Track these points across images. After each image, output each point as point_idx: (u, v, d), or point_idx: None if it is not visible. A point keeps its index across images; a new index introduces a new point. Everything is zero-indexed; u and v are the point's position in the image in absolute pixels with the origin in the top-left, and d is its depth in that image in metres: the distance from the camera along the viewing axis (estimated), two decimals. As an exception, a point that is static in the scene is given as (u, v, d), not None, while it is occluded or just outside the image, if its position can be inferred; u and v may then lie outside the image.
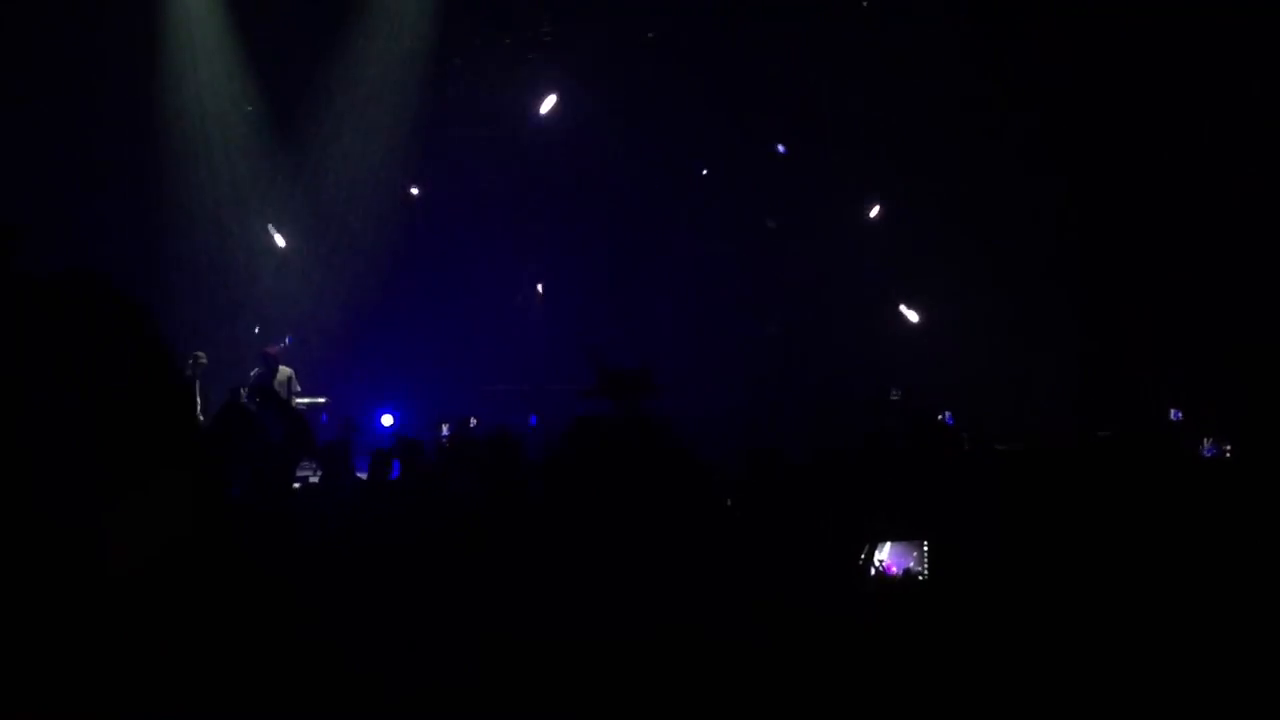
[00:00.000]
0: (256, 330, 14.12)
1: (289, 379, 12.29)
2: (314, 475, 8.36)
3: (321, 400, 12.68)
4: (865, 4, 13.15)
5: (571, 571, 3.44)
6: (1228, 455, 9.68)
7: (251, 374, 12.18)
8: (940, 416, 12.15)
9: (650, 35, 14.30)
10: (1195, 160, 12.26)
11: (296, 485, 7.41)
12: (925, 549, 3.60)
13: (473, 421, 11.08)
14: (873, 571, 3.60)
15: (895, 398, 11.81)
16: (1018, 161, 13.14)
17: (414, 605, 3.60)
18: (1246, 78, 11.66)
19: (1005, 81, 12.88)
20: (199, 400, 11.22)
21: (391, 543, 4.75)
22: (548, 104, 14.67)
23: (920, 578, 3.55)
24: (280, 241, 14.62)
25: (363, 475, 7.38)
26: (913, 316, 14.71)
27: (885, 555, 3.63)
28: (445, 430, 10.32)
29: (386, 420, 12.11)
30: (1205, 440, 9.97)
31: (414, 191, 15.16)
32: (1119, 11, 12.13)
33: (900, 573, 3.60)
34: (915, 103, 13.45)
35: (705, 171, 15.06)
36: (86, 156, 12.67)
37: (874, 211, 14.69)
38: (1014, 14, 12.67)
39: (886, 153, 14.00)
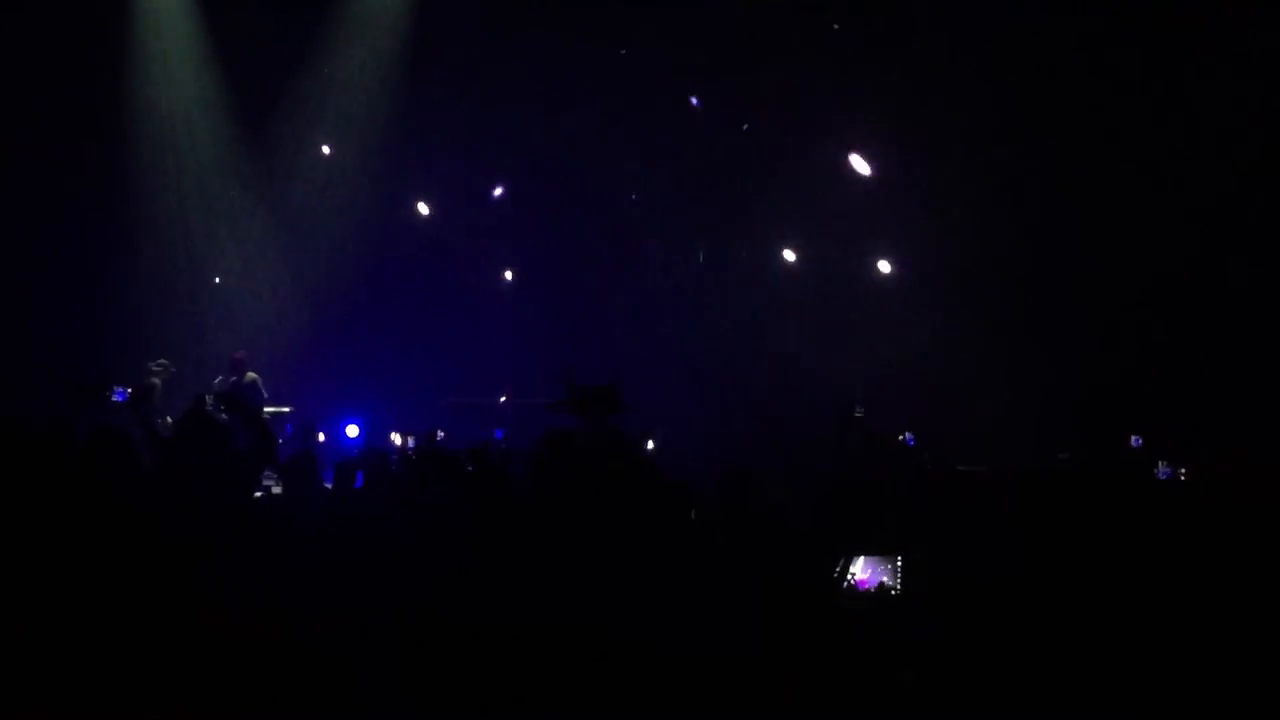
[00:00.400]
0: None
1: (254, 383, 12.16)
2: (276, 485, 8.29)
3: (286, 410, 12.58)
4: (836, 27, 13.26)
5: (548, 575, 3.46)
6: (1182, 478, 9.87)
7: (215, 381, 12.06)
8: (901, 437, 12.25)
9: (622, 52, 14.36)
10: (1159, 184, 12.41)
11: (259, 494, 7.35)
12: (899, 564, 3.65)
13: (440, 434, 11.03)
14: (845, 585, 3.64)
15: (859, 415, 11.90)
16: (982, 177, 13.27)
17: (386, 610, 3.59)
18: (1238, 85, 11.71)
19: (974, 100, 12.97)
20: (160, 408, 11.10)
21: (360, 550, 4.74)
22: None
23: (893, 592, 3.60)
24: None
25: (328, 485, 7.33)
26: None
27: (859, 570, 3.67)
28: (410, 442, 10.28)
29: (352, 431, 12.03)
30: (1160, 463, 10.15)
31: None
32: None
33: (873, 587, 3.65)
34: (884, 108, 13.51)
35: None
36: (53, 158, 12.53)
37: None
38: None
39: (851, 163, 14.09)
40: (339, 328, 14.64)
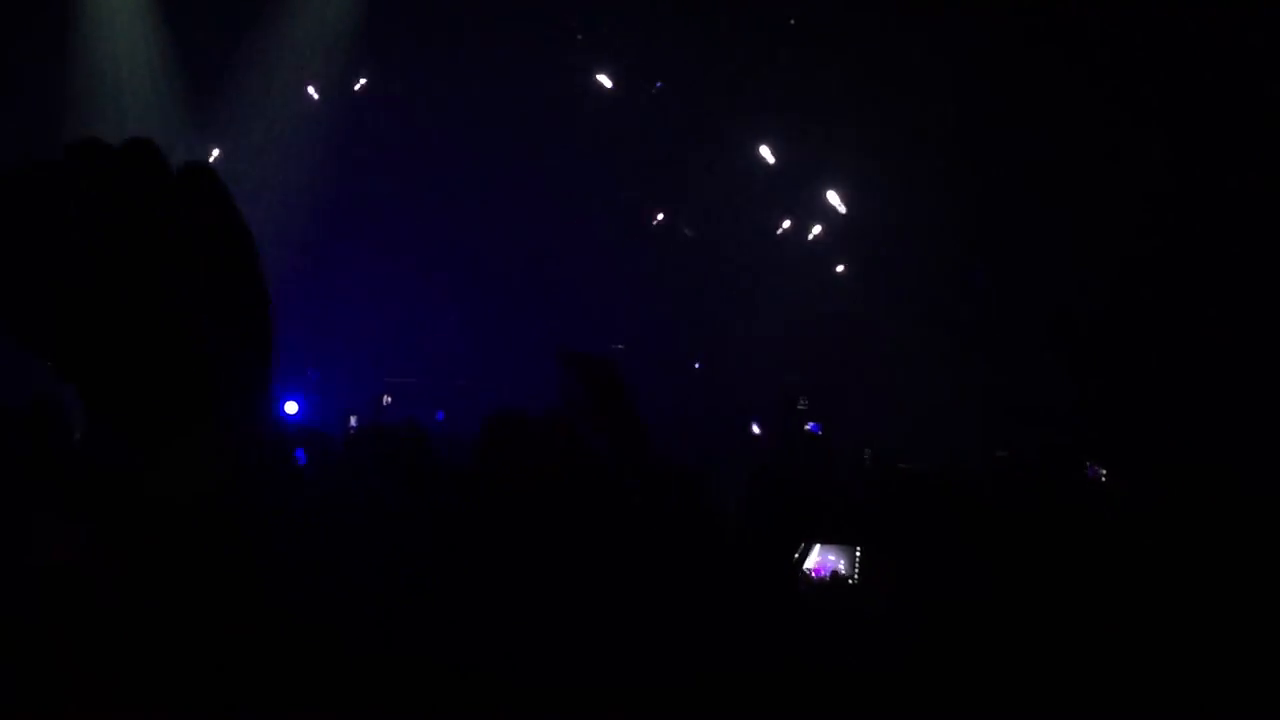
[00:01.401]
0: None
1: None
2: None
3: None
4: (793, 21, 13.27)
5: (497, 579, 3.42)
6: (1104, 479, 10.06)
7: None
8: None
9: (580, 38, 14.27)
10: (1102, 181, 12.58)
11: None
12: (857, 553, 3.67)
13: (386, 400, 10.77)
14: (800, 574, 3.65)
15: (803, 407, 11.96)
16: (927, 174, 13.38)
17: (331, 610, 3.53)
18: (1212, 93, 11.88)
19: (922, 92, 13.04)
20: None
21: (306, 541, 4.65)
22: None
23: (850, 581, 3.61)
24: None
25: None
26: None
27: (813, 560, 3.68)
28: (353, 422, 10.09)
29: (290, 408, 11.83)
30: (1085, 463, 10.30)
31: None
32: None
33: (828, 576, 3.66)
34: (828, 103, 13.55)
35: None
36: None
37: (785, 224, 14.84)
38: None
39: (798, 158, 14.14)
40: (280, 303, 14.36)
